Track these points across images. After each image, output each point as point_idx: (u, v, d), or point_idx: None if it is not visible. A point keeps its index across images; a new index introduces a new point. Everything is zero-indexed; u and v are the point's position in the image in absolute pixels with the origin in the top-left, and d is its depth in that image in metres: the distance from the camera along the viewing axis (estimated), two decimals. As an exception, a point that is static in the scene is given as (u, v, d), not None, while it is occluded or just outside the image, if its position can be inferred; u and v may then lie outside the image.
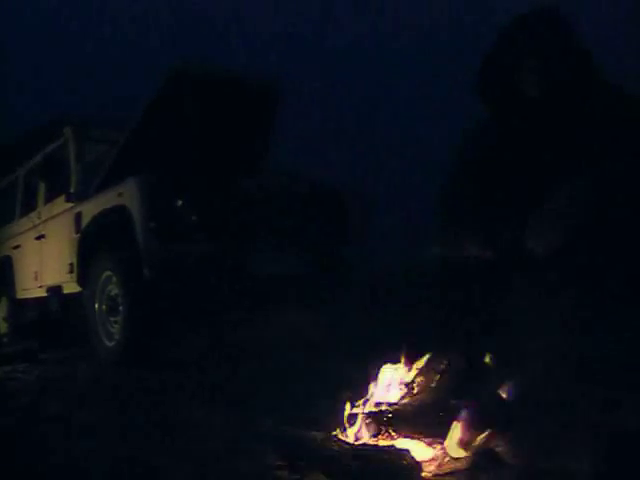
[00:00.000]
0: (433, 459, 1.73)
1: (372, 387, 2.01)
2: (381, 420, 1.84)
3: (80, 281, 4.42)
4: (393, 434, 1.83)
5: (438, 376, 1.90)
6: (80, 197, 4.57)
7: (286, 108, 5.03)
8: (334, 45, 25.70)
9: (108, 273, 4.05)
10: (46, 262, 5.14)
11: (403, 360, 2.01)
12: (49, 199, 5.17)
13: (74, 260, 4.48)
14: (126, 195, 3.83)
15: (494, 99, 2.10)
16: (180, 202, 3.73)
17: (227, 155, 4.53)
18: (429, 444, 1.78)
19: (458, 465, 1.67)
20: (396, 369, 2.00)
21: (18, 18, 28.17)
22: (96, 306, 4.19)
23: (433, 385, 1.89)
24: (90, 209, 4.30)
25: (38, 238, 5.27)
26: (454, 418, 1.77)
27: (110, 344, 4.02)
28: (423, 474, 1.67)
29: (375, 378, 2.02)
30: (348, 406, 1.99)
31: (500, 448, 1.68)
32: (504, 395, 1.81)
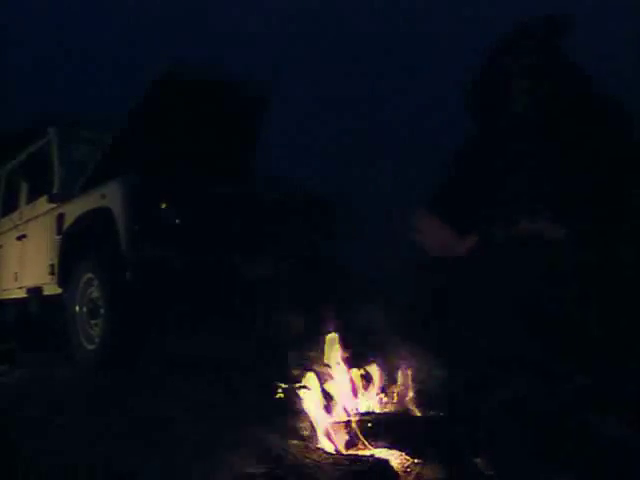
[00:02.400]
0: (411, 469, 1.73)
1: (351, 394, 2.01)
2: (361, 429, 1.84)
3: (61, 283, 4.37)
4: (373, 443, 1.83)
5: (417, 386, 1.90)
6: (63, 198, 4.52)
7: (274, 112, 5.05)
8: (318, 51, 25.74)
9: (89, 275, 4.01)
10: (27, 263, 5.08)
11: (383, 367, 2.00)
12: (31, 199, 5.11)
13: (55, 261, 4.43)
14: (110, 197, 3.80)
15: (484, 115, 2.12)
16: (164, 205, 3.71)
17: (212, 159, 4.52)
18: (408, 454, 1.78)
19: (437, 476, 1.67)
20: (375, 376, 2.00)
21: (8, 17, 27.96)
22: (77, 308, 4.14)
23: (412, 395, 1.89)
24: (73, 210, 4.26)
25: (19, 238, 5.20)
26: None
27: (90, 347, 3.98)
28: (401, 484, 1.67)
29: (354, 384, 2.01)
30: (329, 413, 1.99)
31: (479, 460, 1.69)
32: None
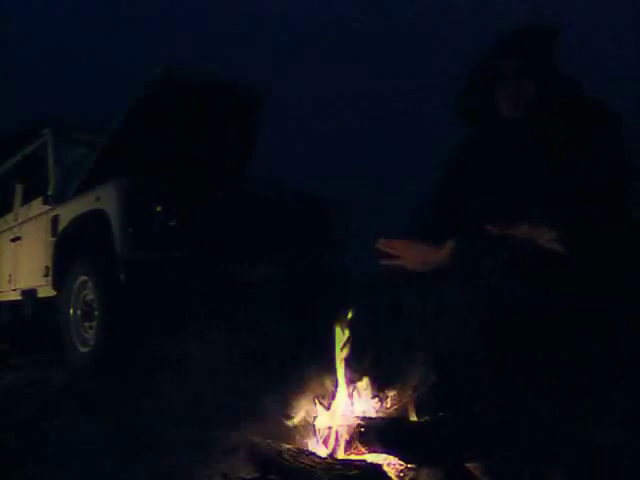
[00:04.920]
0: (405, 474, 1.72)
1: (342, 399, 2.00)
2: (353, 434, 1.83)
3: (55, 285, 4.36)
4: (365, 448, 1.82)
5: (410, 391, 1.90)
6: (58, 200, 4.52)
7: (272, 114, 5.03)
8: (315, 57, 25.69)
9: (84, 278, 4.00)
10: (21, 265, 5.07)
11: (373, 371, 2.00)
12: (26, 201, 5.10)
13: (50, 264, 4.42)
14: (104, 199, 3.79)
15: (473, 119, 2.12)
16: (159, 208, 3.70)
17: (208, 161, 4.51)
18: (401, 459, 1.77)
19: (430, 481, 1.66)
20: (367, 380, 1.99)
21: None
22: (71, 311, 4.13)
23: (406, 400, 1.88)
24: (68, 212, 4.25)
25: (13, 240, 5.19)
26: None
27: (84, 350, 3.96)
28: (394, 489, 1.66)
29: (345, 389, 2.01)
30: (321, 419, 1.98)
31: (473, 464, 1.68)
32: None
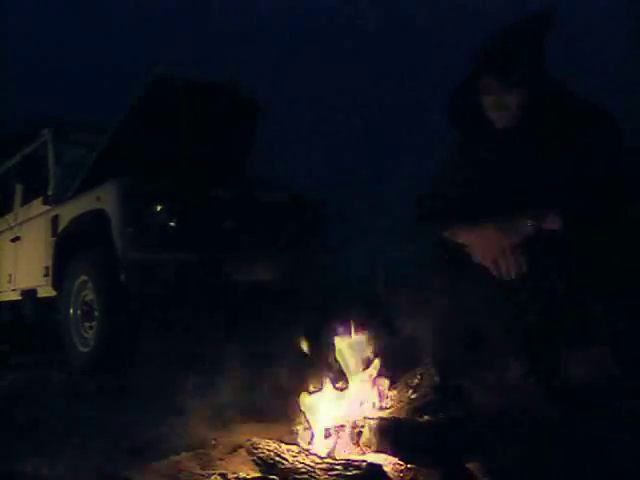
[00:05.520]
0: (405, 474, 1.72)
1: (342, 399, 2.00)
2: (353, 434, 1.83)
3: (55, 285, 4.36)
4: (365, 448, 1.82)
5: (411, 391, 1.89)
6: (58, 200, 4.52)
7: (273, 113, 5.04)
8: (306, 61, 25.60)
9: (84, 278, 4.00)
10: (21, 265, 5.07)
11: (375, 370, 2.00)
12: (26, 201, 5.10)
13: (50, 264, 4.43)
14: (104, 199, 3.79)
15: (464, 125, 2.12)
16: (159, 208, 3.70)
17: (207, 162, 4.52)
18: (401, 459, 1.77)
19: (430, 481, 1.66)
20: (368, 380, 1.99)
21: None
22: (71, 311, 4.13)
23: (406, 400, 1.88)
24: (68, 212, 4.26)
25: (13, 240, 5.19)
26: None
27: (84, 350, 3.97)
28: (395, 489, 1.66)
29: (346, 389, 2.01)
30: (321, 418, 1.98)
31: (473, 464, 1.68)
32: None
